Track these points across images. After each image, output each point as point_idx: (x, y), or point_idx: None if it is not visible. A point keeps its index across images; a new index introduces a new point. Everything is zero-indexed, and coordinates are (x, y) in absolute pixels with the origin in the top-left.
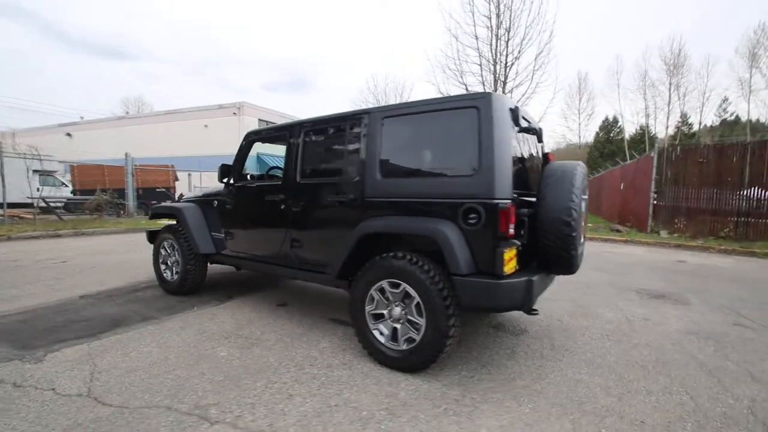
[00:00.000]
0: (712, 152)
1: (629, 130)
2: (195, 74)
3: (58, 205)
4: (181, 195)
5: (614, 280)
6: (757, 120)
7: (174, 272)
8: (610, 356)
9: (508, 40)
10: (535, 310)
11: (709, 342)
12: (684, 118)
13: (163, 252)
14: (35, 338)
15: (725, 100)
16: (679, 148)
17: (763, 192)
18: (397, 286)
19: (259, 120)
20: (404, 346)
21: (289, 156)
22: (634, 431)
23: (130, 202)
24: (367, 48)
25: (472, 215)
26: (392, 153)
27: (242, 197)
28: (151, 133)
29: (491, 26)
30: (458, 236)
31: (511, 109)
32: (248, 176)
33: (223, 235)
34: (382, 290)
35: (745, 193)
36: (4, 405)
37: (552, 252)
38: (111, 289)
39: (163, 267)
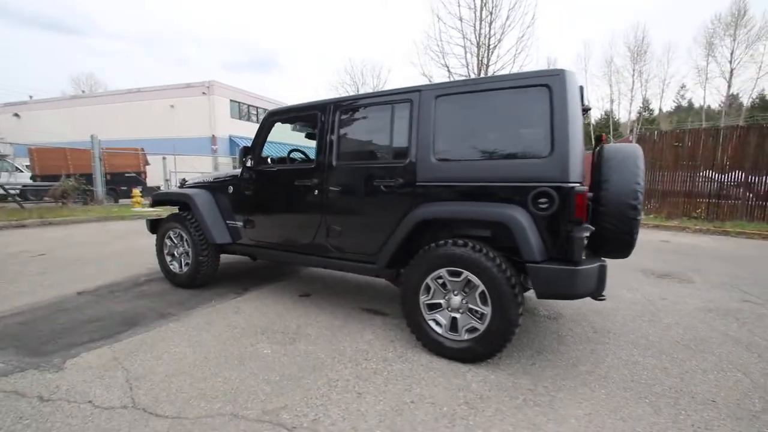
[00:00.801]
0: (688, 136)
1: (595, 115)
2: (148, 52)
3: (14, 192)
4: (184, 180)
5: (616, 260)
6: (709, 106)
7: (183, 264)
8: (650, 336)
9: (491, 22)
10: (603, 295)
11: (729, 319)
12: (645, 103)
13: (168, 243)
14: (44, 343)
15: (683, 86)
16: (656, 132)
17: (728, 175)
18: (457, 274)
19: (231, 101)
20: (466, 336)
21: (322, 137)
22: (709, 410)
23: (99, 188)
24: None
25: (543, 200)
26: (448, 135)
27: (265, 182)
28: (111, 114)
29: (475, 7)
30: (530, 222)
31: (579, 87)
32: (269, 159)
33: (240, 224)
34: (439, 279)
35: (711, 175)
36: (37, 425)
37: (613, 236)
38: (109, 283)
39: (169, 259)
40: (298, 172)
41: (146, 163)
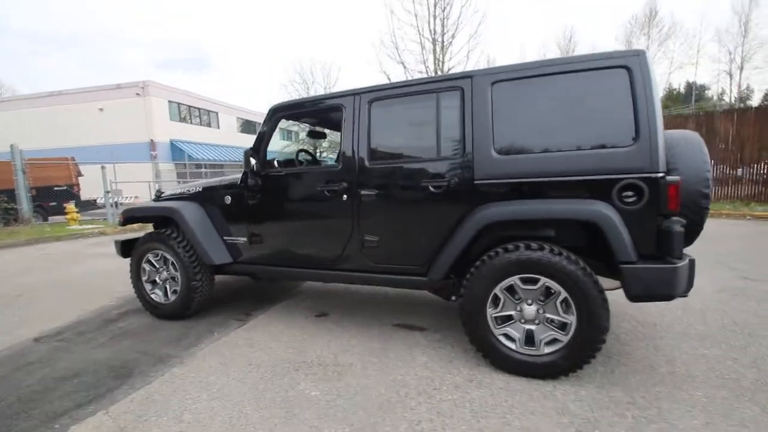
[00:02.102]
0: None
1: None
2: (65, 52)
3: None
4: (160, 191)
5: None
6: None
7: (170, 292)
8: (696, 325)
9: (444, 19)
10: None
11: (744, 298)
12: None
13: (147, 268)
14: (15, 417)
15: None
16: None
17: None
18: (533, 282)
19: (170, 102)
20: (546, 350)
21: (349, 134)
22: None
23: (24, 205)
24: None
25: (630, 193)
26: (510, 125)
27: (276, 188)
28: (33, 120)
29: (427, 3)
30: (619, 218)
31: None
32: (275, 162)
33: (243, 239)
34: (510, 288)
35: None
36: None
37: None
38: (74, 322)
39: (149, 287)
40: (321, 175)
41: (78, 173)
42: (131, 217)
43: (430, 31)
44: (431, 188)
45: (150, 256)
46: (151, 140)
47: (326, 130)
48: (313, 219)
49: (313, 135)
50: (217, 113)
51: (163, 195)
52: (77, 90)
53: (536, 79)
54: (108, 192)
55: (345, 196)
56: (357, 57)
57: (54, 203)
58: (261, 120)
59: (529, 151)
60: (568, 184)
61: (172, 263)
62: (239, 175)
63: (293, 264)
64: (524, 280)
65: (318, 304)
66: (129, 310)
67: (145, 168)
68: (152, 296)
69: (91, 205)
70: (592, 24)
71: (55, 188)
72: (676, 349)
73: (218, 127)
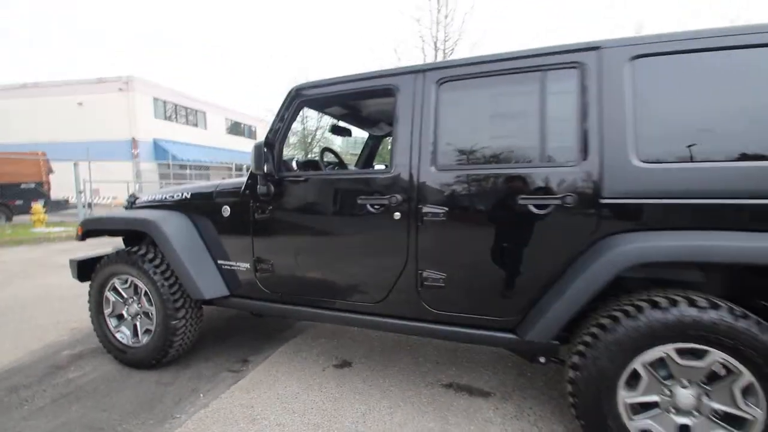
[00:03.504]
0: None
1: None
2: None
3: None
4: (133, 196)
5: None
6: None
7: (140, 331)
8: None
9: (446, 26)
10: None
11: None
12: None
13: (112, 298)
14: None
15: None
16: None
17: None
18: (697, 355)
19: (155, 99)
20: None
21: (406, 127)
22: None
23: None
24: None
25: None
26: (663, 118)
27: (294, 198)
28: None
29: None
30: None
31: None
32: (293, 163)
33: (245, 265)
34: (657, 362)
35: None
36: None
37: None
38: (5, 370)
39: (113, 323)
40: (363, 183)
41: (49, 170)
42: (93, 230)
43: (433, 37)
44: (532, 208)
45: (116, 283)
46: (133, 138)
47: (351, 127)
48: (348, 243)
49: (337, 131)
50: (205, 113)
51: (138, 201)
52: (55, 83)
53: (707, 54)
54: (81, 192)
55: (398, 213)
56: (352, 63)
57: (20, 202)
58: (251, 123)
59: (702, 160)
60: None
61: (146, 293)
62: (242, 179)
63: (314, 303)
64: (682, 352)
65: (335, 346)
66: (85, 351)
67: (125, 167)
68: (117, 335)
69: (62, 205)
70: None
71: (23, 186)
72: None
73: (205, 128)
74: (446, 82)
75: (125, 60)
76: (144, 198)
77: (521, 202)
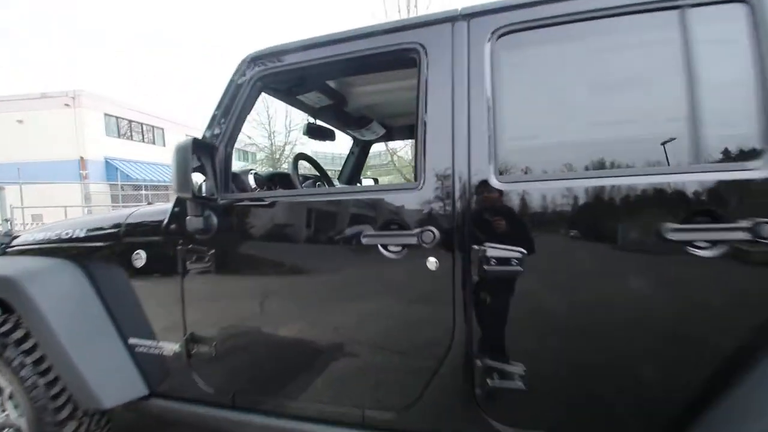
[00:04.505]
0: None
1: None
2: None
3: None
4: (9, 234)
5: None
6: None
7: None
8: None
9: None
10: None
11: None
12: None
13: None
14: None
15: None
16: None
17: None
18: None
19: (106, 114)
20: None
21: (441, 112)
22: None
23: None
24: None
25: None
26: None
27: (251, 235)
28: None
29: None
30: None
31: None
32: (249, 178)
33: (174, 346)
34: None
35: None
36: None
37: None
38: None
39: None
40: (368, 208)
41: None
42: None
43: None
44: (694, 249)
45: None
46: (81, 158)
47: (335, 130)
48: (345, 311)
49: (314, 134)
50: (163, 129)
51: (16, 242)
52: None
53: None
54: (7, 220)
55: (434, 260)
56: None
57: None
58: None
59: None
60: None
61: (11, 397)
62: (167, 205)
63: (291, 411)
64: None
65: None
66: None
67: (72, 189)
68: None
69: None
70: None
71: None
72: None
73: (164, 145)
74: (508, 33)
75: (125, 60)
76: (27, 237)
77: (671, 237)
